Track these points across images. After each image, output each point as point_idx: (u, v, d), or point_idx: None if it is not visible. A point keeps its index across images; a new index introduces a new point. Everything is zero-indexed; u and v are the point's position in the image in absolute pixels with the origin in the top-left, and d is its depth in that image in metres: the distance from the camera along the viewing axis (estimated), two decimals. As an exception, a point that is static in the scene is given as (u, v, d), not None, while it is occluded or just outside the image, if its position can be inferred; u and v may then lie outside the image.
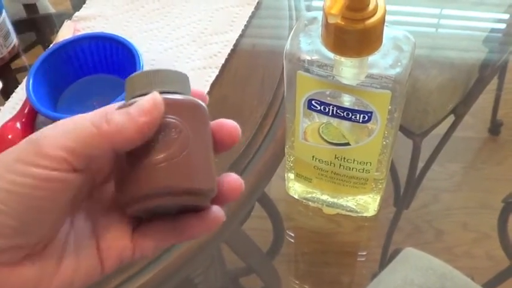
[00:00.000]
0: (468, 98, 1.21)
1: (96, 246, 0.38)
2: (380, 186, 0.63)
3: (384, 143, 0.58)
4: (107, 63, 0.76)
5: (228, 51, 0.77)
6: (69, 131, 0.35)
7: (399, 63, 0.51)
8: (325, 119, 0.56)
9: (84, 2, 0.86)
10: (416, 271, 0.98)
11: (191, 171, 0.36)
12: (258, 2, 0.81)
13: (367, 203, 0.67)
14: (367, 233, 1.40)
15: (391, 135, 0.58)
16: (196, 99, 0.38)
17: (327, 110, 0.54)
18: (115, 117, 0.35)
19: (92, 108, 0.37)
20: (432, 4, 1.30)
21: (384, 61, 0.51)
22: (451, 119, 1.25)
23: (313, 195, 0.68)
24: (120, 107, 0.36)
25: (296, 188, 0.68)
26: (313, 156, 0.61)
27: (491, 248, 1.34)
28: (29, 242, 0.35)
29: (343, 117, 0.55)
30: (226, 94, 0.75)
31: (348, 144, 0.58)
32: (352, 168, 0.60)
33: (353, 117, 0.54)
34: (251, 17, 0.80)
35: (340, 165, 0.60)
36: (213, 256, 1.15)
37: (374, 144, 0.57)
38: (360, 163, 0.59)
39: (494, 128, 1.58)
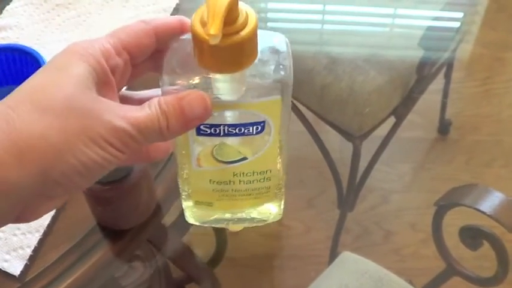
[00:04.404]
0: (408, 99, 1.20)
1: None
2: (282, 190, 0.62)
3: (281, 146, 0.57)
4: (17, 74, 0.75)
5: (142, 59, 0.76)
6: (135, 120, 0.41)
7: (281, 66, 0.50)
8: (217, 140, 0.54)
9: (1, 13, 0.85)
10: (352, 275, 0.97)
11: None
12: (174, 9, 0.80)
13: (271, 210, 0.66)
14: (315, 235, 1.40)
15: (284, 135, 0.56)
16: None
17: (218, 131, 0.52)
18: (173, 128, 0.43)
19: None
20: (366, 3, 1.30)
21: (266, 68, 0.49)
22: (393, 119, 1.25)
23: (215, 216, 0.66)
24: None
25: (195, 215, 0.66)
26: (210, 180, 0.59)
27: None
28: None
29: (235, 134, 0.53)
30: (139, 103, 0.74)
31: (245, 158, 0.56)
32: (253, 181, 0.58)
33: (246, 131, 0.52)
34: (167, 24, 0.79)
35: (240, 181, 0.58)
36: (158, 264, 1.14)
37: (272, 151, 0.56)
38: (260, 173, 0.58)
39: (443, 128, 1.58)
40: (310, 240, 1.40)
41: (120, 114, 0.40)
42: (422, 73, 1.17)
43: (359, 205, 1.42)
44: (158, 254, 1.12)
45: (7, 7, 0.85)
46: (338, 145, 1.37)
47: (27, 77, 0.74)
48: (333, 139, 1.34)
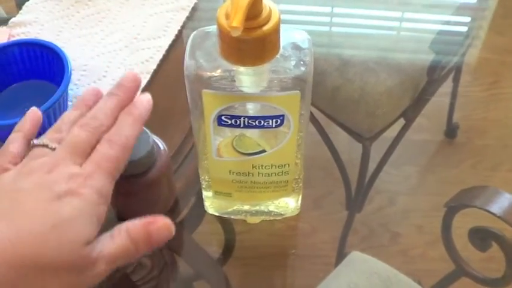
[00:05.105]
0: (418, 101, 1.21)
1: None
2: (300, 185, 0.64)
3: (299, 142, 0.58)
4: (38, 69, 0.76)
5: (160, 56, 0.77)
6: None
7: (302, 62, 0.51)
8: (237, 131, 0.55)
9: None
10: (361, 275, 0.98)
11: None
12: (192, 8, 0.81)
13: (288, 204, 0.67)
14: (322, 235, 1.40)
15: (303, 132, 0.58)
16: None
17: (239, 122, 0.54)
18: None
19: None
20: (378, 6, 1.31)
21: (287, 63, 0.51)
22: (402, 122, 1.26)
23: (234, 208, 0.68)
24: None
25: (215, 205, 0.68)
26: (230, 171, 0.60)
27: (447, 250, 1.34)
28: None
29: (255, 126, 0.54)
30: (157, 100, 0.75)
31: (263, 151, 0.58)
32: (271, 174, 0.60)
33: (265, 124, 0.54)
34: (185, 23, 0.80)
35: (258, 173, 0.60)
36: (166, 261, 1.15)
37: (290, 145, 0.57)
38: (278, 167, 0.59)
39: (450, 131, 1.59)
40: (317, 240, 1.40)
41: (100, 257, 0.46)
42: (433, 76, 1.18)
43: (365, 206, 1.42)
44: (167, 251, 1.13)
45: (27, 3, 0.86)
46: (347, 146, 1.38)
47: (50, 71, 0.75)
48: (342, 140, 1.34)
